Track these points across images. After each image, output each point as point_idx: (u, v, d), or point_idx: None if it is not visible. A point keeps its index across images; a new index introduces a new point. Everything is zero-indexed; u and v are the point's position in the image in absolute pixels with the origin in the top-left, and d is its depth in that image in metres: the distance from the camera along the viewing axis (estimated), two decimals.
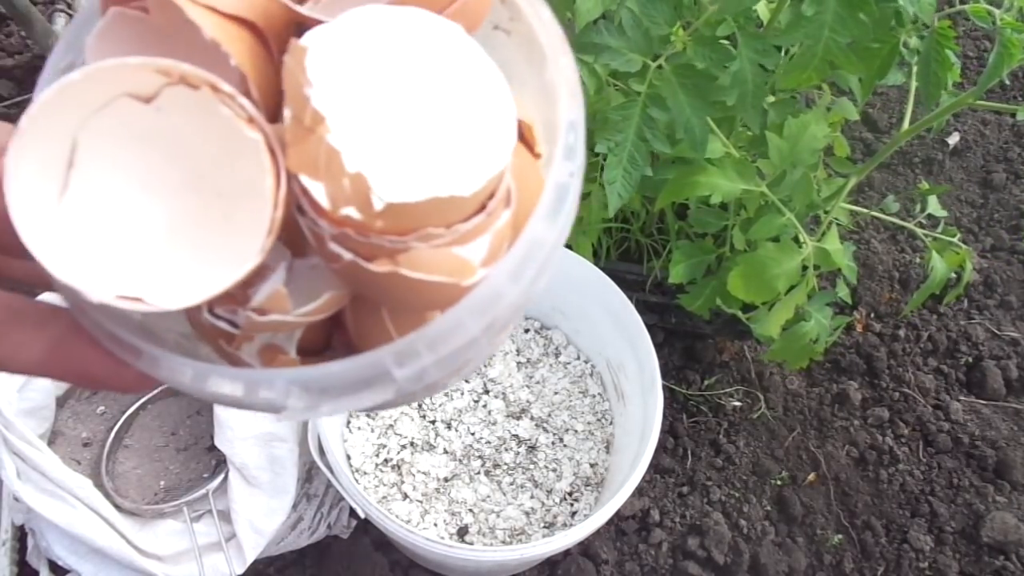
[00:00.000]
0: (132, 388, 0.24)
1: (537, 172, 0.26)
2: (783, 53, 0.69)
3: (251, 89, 0.23)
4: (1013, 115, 0.64)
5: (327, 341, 0.27)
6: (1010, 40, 0.54)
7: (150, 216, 0.23)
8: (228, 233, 0.23)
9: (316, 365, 0.22)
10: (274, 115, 0.23)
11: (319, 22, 0.23)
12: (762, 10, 0.68)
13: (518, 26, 0.28)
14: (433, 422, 0.85)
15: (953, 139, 1.30)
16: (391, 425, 0.84)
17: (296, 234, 0.23)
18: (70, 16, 1.04)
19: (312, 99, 0.21)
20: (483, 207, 0.22)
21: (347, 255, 0.21)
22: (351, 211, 0.20)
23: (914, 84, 0.69)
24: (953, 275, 0.83)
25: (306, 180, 0.21)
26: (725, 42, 0.61)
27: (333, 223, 0.21)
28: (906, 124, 0.70)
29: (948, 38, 0.59)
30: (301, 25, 0.24)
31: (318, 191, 0.20)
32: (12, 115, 1.13)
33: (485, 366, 0.88)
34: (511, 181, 0.24)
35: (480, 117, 0.22)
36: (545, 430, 0.86)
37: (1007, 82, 0.59)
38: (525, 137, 0.26)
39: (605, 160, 0.63)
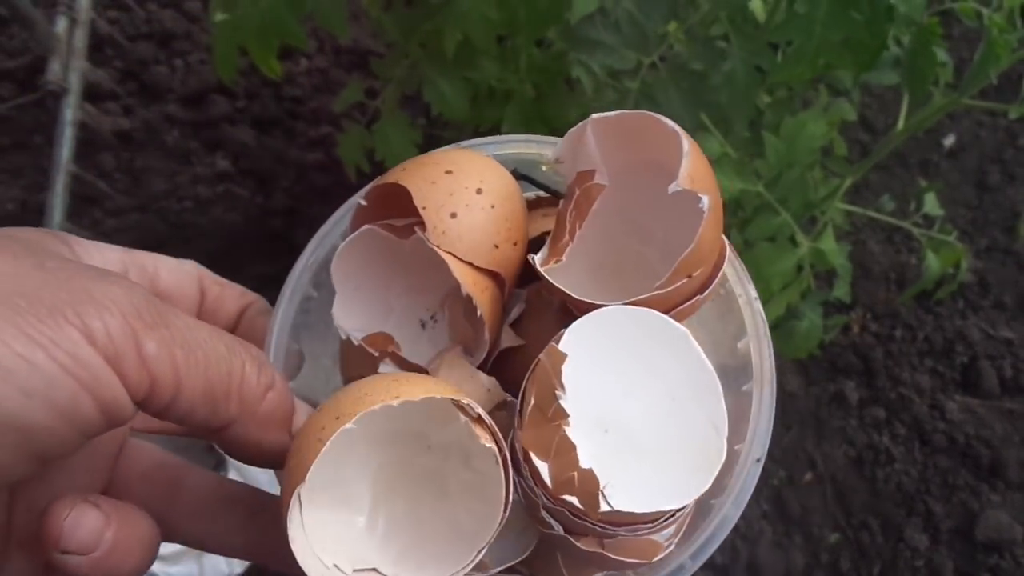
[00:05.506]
0: None
1: None
2: (778, 52, 0.70)
3: (484, 329, 0.27)
4: (1010, 117, 0.65)
5: None
6: (996, 40, 0.54)
7: (382, 498, 0.26)
8: (455, 521, 0.26)
9: None
10: (495, 337, 0.28)
11: (544, 278, 0.26)
12: (757, 10, 0.68)
13: (719, 289, 0.31)
14: None
15: (949, 141, 1.30)
16: None
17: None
18: (71, 19, 1.04)
19: (560, 399, 0.24)
20: None
21: (559, 529, 0.24)
22: (574, 500, 0.23)
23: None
24: (949, 273, 0.83)
25: (535, 458, 0.24)
26: (722, 43, 0.62)
27: (552, 499, 0.24)
28: (900, 124, 0.70)
29: (935, 34, 0.59)
30: (530, 269, 0.27)
31: (544, 470, 0.24)
32: (13, 116, 1.13)
33: None
34: None
35: (697, 434, 0.25)
36: None
37: (994, 81, 0.59)
38: None
39: None
